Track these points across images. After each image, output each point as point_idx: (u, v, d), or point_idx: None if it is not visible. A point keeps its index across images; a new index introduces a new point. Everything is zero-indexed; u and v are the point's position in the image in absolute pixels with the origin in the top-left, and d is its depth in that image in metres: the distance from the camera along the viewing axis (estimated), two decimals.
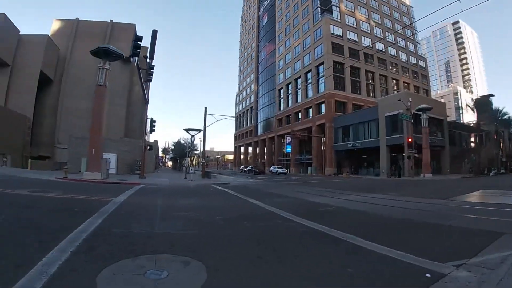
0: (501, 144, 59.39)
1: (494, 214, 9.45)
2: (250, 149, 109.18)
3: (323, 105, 62.51)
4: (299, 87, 73.55)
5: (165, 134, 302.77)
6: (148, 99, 33.51)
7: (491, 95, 60.77)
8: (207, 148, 49.72)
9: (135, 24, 63.83)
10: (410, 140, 38.96)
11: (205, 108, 38.25)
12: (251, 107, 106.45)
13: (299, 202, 13.43)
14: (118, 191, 15.08)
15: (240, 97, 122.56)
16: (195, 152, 65.49)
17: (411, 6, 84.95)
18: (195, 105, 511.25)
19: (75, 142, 36.90)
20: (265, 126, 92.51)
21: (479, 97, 72.88)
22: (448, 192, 17.65)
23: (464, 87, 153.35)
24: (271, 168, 65.72)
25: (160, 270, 4.06)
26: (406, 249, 5.18)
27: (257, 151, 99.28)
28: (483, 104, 58.55)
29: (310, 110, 67.06)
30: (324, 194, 17.22)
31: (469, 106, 69.88)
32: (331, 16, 66.00)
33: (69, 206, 10.08)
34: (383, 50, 66.81)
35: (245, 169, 68.56)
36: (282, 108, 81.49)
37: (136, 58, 25.09)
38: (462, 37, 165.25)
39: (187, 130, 35.82)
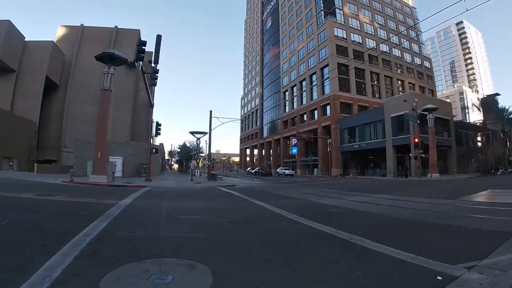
0: (508, 143, 58.87)
1: (504, 214, 9.30)
2: (256, 151, 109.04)
3: (328, 107, 62.36)
4: (304, 89, 73.41)
5: (171, 137, 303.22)
6: (153, 103, 33.54)
7: (497, 94, 60.27)
8: (213, 151, 49.79)
9: (139, 30, 64.25)
10: (416, 140, 38.69)
11: (211, 111, 38.27)
12: (257, 110, 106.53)
13: (306, 204, 13.29)
14: (123, 194, 15.04)
15: (245, 100, 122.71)
16: (201, 154, 65.67)
17: (414, 7, 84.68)
18: (200, 108, 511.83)
19: (81, 145, 37.03)
20: (271, 128, 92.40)
21: (484, 96, 72.43)
22: (455, 192, 17.42)
23: (470, 87, 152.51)
24: (278, 170, 65.55)
25: (165, 274, 3.98)
26: (416, 250, 5.06)
27: (263, 153, 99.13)
28: (489, 103, 58.14)
29: (316, 111, 66.89)
30: (331, 195, 17.06)
31: (475, 106, 69.46)
32: (335, 18, 65.93)
33: (74, 209, 10.06)
34: (388, 52, 66.59)
35: (252, 171, 68.40)
36: (287, 110, 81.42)
37: (141, 62, 25.16)
38: (466, 37, 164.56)
39: (192, 133, 35.85)
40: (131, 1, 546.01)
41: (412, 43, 76.29)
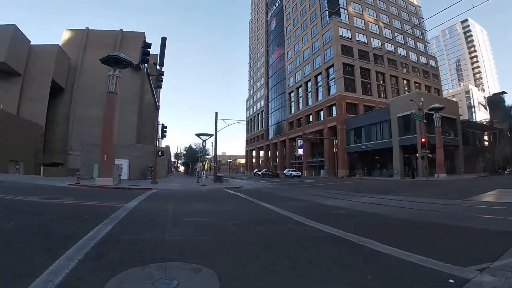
0: None
1: None
2: (261, 153, 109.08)
3: (334, 107, 62.25)
4: (309, 90, 73.32)
5: (177, 139, 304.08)
6: (158, 106, 33.54)
7: (503, 92, 59.67)
8: (218, 153, 49.81)
9: (144, 32, 64.45)
10: (423, 140, 38.45)
11: (216, 113, 38.20)
12: (262, 111, 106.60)
13: (313, 206, 13.14)
14: (129, 197, 14.99)
15: (250, 102, 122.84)
16: (207, 156, 65.58)
17: (419, 6, 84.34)
18: (206, 110, 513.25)
19: (87, 148, 37.15)
20: (276, 130, 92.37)
21: (491, 95, 71.94)
22: (463, 192, 17.22)
23: (476, 86, 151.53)
24: (284, 171, 65.34)
25: (170, 279, 3.90)
26: (426, 253, 4.95)
27: (269, 155, 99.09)
28: (495, 102, 57.72)
29: (321, 112, 66.75)
30: (338, 196, 16.93)
31: (481, 104, 68.93)
32: (339, 18, 65.81)
33: (79, 212, 10.01)
34: (393, 51, 66.36)
35: (258, 173, 68.16)
36: (293, 111, 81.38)
37: (146, 65, 25.14)
38: (471, 35, 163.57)
39: (198, 135, 35.82)
40: (135, 4, 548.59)
41: (418, 42, 75.94)
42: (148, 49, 23.99)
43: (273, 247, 5.70)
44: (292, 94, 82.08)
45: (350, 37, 65.40)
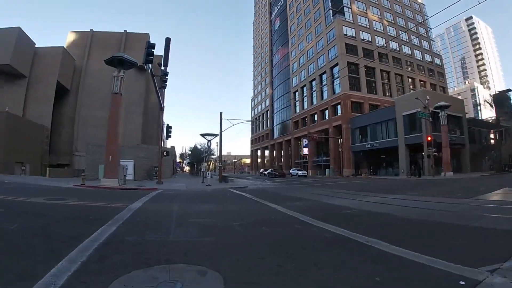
0: None
1: None
2: (267, 153, 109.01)
3: (339, 106, 61.92)
4: (314, 89, 73.07)
5: (182, 139, 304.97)
6: (163, 106, 33.55)
7: (509, 90, 59.27)
8: (223, 153, 49.83)
9: (148, 33, 64.73)
10: (429, 138, 38.17)
11: (221, 113, 38.17)
12: (267, 111, 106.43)
13: (319, 205, 13.03)
14: (134, 197, 14.95)
15: (255, 101, 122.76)
16: (212, 156, 65.52)
17: (423, 4, 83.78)
18: (210, 110, 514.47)
19: (92, 149, 37.26)
20: (281, 129, 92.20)
21: (497, 92, 71.37)
22: (471, 191, 17.07)
23: (481, 83, 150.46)
24: (290, 171, 65.04)
25: (173, 281, 3.82)
26: (435, 253, 4.86)
27: (274, 154, 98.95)
28: (501, 100, 57.39)
29: (326, 111, 66.44)
30: (344, 196, 16.82)
31: (487, 102, 68.47)
32: (343, 17, 65.51)
33: (83, 213, 9.99)
34: (397, 49, 65.96)
35: (265, 172, 67.89)
36: (297, 110, 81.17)
37: (150, 65, 25.16)
38: (476, 33, 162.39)
39: (203, 135, 35.77)
40: (139, 6, 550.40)
41: (422, 40, 75.43)
42: (152, 50, 24.04)
43: (279, 248, 5.60)
44: (297, 94, 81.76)
45: (354, 35, 65.06)
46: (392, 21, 72.85)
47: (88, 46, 67.25)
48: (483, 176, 36.12)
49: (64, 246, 5.28)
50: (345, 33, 64.09)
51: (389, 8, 73.65)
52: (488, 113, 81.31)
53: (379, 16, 70.85)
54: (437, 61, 79.27)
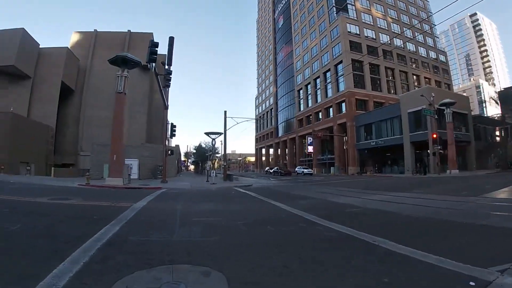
0: None
1: None
2: (271, 151, 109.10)
3: (343, 104, 61.78)
4: (318, 87, 72.93)
5: (187, 138, 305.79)
6: (167, 105, 33.56)
7: None
8: (228, 151, 49.69)
9: (152, 33, 64.73)
10: (435, 136, 37.99)
11: (225, 111, 38.18)
12: (271, 109, 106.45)
13: (324, 204, 12.96)
14: (138, 197, 14.91)
15: (259, 100, 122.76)
16: (217, 155, 65.52)
17: (427, 0, 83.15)
18: (215, 108, 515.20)
19: (97, 149, 37.34)
20: (286, 127, 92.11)
21: (502, 89, 70.86)
22: (477, 188, 16.94)
23: (486, 80, 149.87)
24: (296, 169, 64.92)
25: (177, 282, 3.74)
26: (443, 252, 4.76)
27: (279, 153, 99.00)
28: (507, 97, 57.00)
29: (331, 109, 66.29)
30: (349, 194, 16.70)
31: (493, 99, 67.99)
32: (347, 14, 65.30)
33: (87, 213, 9.94)
34: (402, 46, 65.63)
35: (270, 171, 67.79)
36: (302, 108, 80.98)
37: (154, 64, 25.12)
38: (480, 29, 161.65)
39: (207, 133, 35.75)
40: (143, 5, 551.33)
41: (427, 37, 75.03)
42: (156, 48, 24.03)
43: (284, 248, 5.52)
44: (301, 91, 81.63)
45: (358, 33, 64.81)
46: (396, 18, 72.47)
47: (92, 46, 67.51)
48: (489, 173, 35.92)
49: (67, 246, 5.22)
50: (349, 30, 63.87)
51: (393, 5, 73.24)
52: (493, 110, 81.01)
53: (383, 13, 70.49)
54: (442, 58, 78.82)
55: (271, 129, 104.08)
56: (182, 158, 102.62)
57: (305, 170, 59.57)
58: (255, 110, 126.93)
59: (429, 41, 76.42)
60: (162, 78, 28.85)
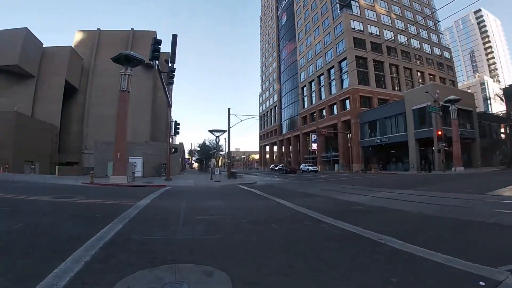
0: None
1: None
2: (275, 148, 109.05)
3: (347, 101, 61.59)
4: (322, 84, 72.67)
5: (191, 136, 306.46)
6: (171, 103, 33.52)
7: None
8: (232, 149, 49.72)
9: (155, 31, 64.74)
10: (440, 133, 37.73)
11: (229, 109, 38.09)
12: (275, 106, 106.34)
13: (329, 201, 12.82)
14: (142, 194, 14.90)
15: (263, 97, 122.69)
16: (221, 152, 65.59)
17: None
18: (219, 106, 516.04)
19: (101, 147, 37.35)
20: (290, 125, 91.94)
21: (507, 86, 70.34)
22: (483, 186, 16.79)
23: (491, 77, 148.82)
24: (301, 167, 64.68)
25: (179, 282, 3.67)
26: (451, 251, 4.67)
27: (283, 150, 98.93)
28: None
29: (335, 106, 66.12)
30: (354, 192, 16.59)
31: (498, 96, 67.53)
32: (351, 11, 64.98)
33: (90, 211, 9.88)
34: (406, 43, 65.28)
35: (275, 168, 67.66)
36: (306, 106, 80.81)
37: (157, 61, 25.08)
38: (485, 26, 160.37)
39: (211, 131, 35.69)
40: (145, 3, 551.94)
41: (431, 33, 74.58)
42: (159, 46, 24.00)
43: (289, 247, 5.42)
44: (305, 89, 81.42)
45: (362, 29, 64.51)
46: (400, 15, 72.06)
47: (96, 45, 67.58)
48: (495, 171, 35.64)
49: (69, 245, 5.16)
50: (353, 27, 63.61)
51: (397, 1, 72.79)
52: (498, 107, 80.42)
53: (387, 10, 70.13)
54: (446, 54, 78.36)
55: (275, 127, 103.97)
56: (186, 156, 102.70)
57: (310, 168, 59.22)
58: (259, 107, 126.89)
59: (434, 37, 75.98)
60: (165, 76, 28.81)
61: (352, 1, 65.86)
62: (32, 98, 56.70)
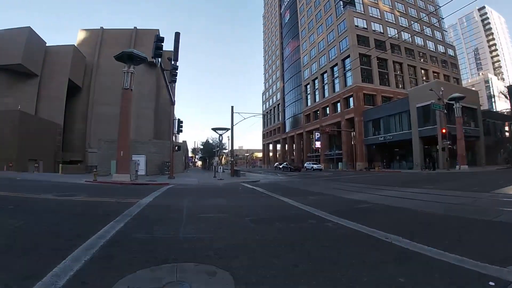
0: None
1: None
2: (278, 146, 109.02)
3: (351, 99, 61.29)
4: (325, 81, 72.45)
5: (194, 134, 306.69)
6: (174, 101, 33.49)
7: None
8: (235, 147, 49.76)
9: (158, 29, 64.69)
10: (444, 131, 37.51)
11: (232, 107, 37.97)
12: (278, 104, 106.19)
13: (333, 200, 12.70)
14: (145, 193, 14.85)
15: (266, 95, 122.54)
16: (224, 151, 65.57)
17: None
18: (222, 105, 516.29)
19: (104, 145, 37.39)
20: (293, 123, 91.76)
21: (511, 84, 69.96)
22: (489, 184, 16.74)
23: (495, 74, 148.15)
24: (305, 165, 64.42)
25: (181, 282, 3.57)
26: (459, 251, 4.56)
27: (286, 148, 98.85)
28: None
29: (338, 104, 65.84)
30: (359, 190, 16.47)
31: (502, 94, 67.16)
32: (354, 8, 64.36)
33: (92, 209, 9.88)
34: (410, 40, 64.89)
35: (280, 166, 67.39)
36: (309, 104, 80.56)
37: (160, 59, 25.02)
38: (489, 23, 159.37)
39: (214, 129, 35.68)
40: (145, 1, 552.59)
41: (435, 31, 74.07)
42: (161, 43, 23.99)
43: (294, 246, 5.30)
44: (308, 86, 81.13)
45: (365, 27, 64.17)
46: (404, 12, 71.55)
47: (99, 44, 67.75)
48: (499, 169, 35.48)
49: (70, 243, 5.09)
50: (356, 24, 63.26)
51: None
52: (502, 105, 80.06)
53: (391, 7, 69.67)
54: (450, 52, 77.80)
55: (278, 125, 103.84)
56: (190, 154, 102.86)
57: (315, 166, 58.81)
58: (262, 105, 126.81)
59: (437, 35, 75.49)
60: (168, 73, 28.77)
61: None
62: (36, 97, 56.91)
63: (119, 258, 4.52)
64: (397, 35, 62.34)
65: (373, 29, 64.90)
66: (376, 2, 67.77)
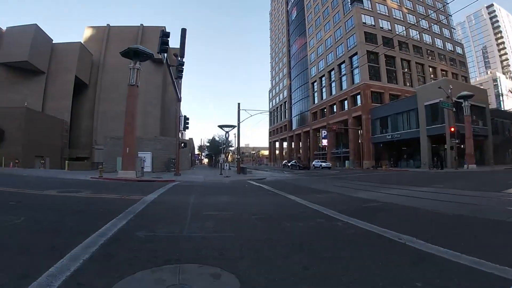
0: None
1: None
2: (285, 144, 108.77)
3: (358, 97, 60.86)
4: (332, 79, 72.01)
5: (201, 131, 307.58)
6: (180, 97, 33.39)
7: None
8: (241, 144, 49.57)
9: (165, 26, 65.04)
10: (452, 129, 37.06)
11: (239, 104, 37.84)
12: (285, 102, 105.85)
13: (342, 198, 12.44)
14: (150, 189, 14.69)
15: (273, 93, 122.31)
16: (230, 148, 65.45)
17: None
18: (228, 102, 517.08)
19: (110, 142, 37.43)
20: (300, 120, 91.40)
21: None
22: (498, 183, 16.51)
23: (503, 73, 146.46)
24: (313, 162, 63.91)
25: (183, 285, 3.33)
26: (476, 253, 4.31)
27: (293, 146, 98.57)
28: None
29: (346, 102, 65.39)
30: (367, 188, 16.24)
31: (511, 92, 66.42)
32: (362, 5, 64.05)
33: (95, 206, 9.70)
34: (418, 37, 64.24)
35: (288, 164, 67.04)
36: (316, 101, 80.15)
37: (166, 55, 24.90)
38: (497, 21, 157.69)
39: (221, 126, 35.54)
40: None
41: (443, 28, 73.39)
42: (167, 39, 23.92)
43: (302, 246, 5.05)
44: (315, 84, 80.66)
45: (373, 24, 63.61)
46: (412, 9, 70.86)
47: (105, 41, 67.95)
48: (508, 168, 35.01)
49: (69, 241, 4.89)
50: (364, 21, 62.78)
51: None
52: (511, 103, 79.19)
53: (398, 4, 69.03)
54: (459, 50, 77.05)
55: (285, 122, 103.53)
56: (196, 152, 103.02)
57: (323, 164, 58.10)
58: (269, 103, 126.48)
59: (446, 32, 74.76)
60: (174, 70, 28.67)
61: None
62: (42, 93, 57.22)
63: (119, 257, 4.32)
64: (405, 33, 61.79)
65: (381, 26, 64.35)
66: None
